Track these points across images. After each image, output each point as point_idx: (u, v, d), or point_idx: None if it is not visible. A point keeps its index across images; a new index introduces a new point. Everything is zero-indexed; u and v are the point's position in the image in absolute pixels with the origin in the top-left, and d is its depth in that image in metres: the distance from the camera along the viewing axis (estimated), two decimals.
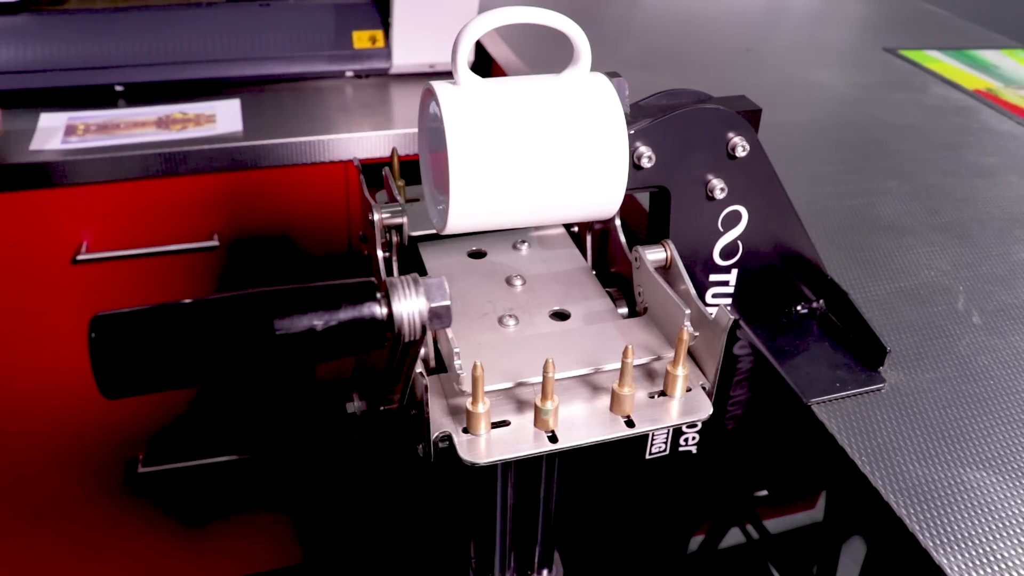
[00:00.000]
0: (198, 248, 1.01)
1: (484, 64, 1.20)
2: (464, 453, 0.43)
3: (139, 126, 0.98)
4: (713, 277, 0.56)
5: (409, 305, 0.39)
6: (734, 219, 0.54)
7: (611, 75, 0.48)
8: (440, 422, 0.45)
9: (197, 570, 1.29)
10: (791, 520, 1.42)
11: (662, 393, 0.47)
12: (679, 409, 0.47)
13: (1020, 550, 0.44)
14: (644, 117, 0.49)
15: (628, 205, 0.50)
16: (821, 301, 0.60)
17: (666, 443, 0.48)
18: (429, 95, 0.47)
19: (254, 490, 1.24)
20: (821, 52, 1.23)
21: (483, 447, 0.44)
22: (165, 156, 0.94)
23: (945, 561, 0.43)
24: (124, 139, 0.95)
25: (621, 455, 0.50)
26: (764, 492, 1.38)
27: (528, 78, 0.47)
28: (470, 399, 0.43)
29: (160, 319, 0.37)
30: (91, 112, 1.00)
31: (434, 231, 0.49)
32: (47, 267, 0.98)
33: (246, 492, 1.24)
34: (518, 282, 0.55)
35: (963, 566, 0.43)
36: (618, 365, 0.46)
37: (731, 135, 0.51)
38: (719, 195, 0.52)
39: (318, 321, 0.38)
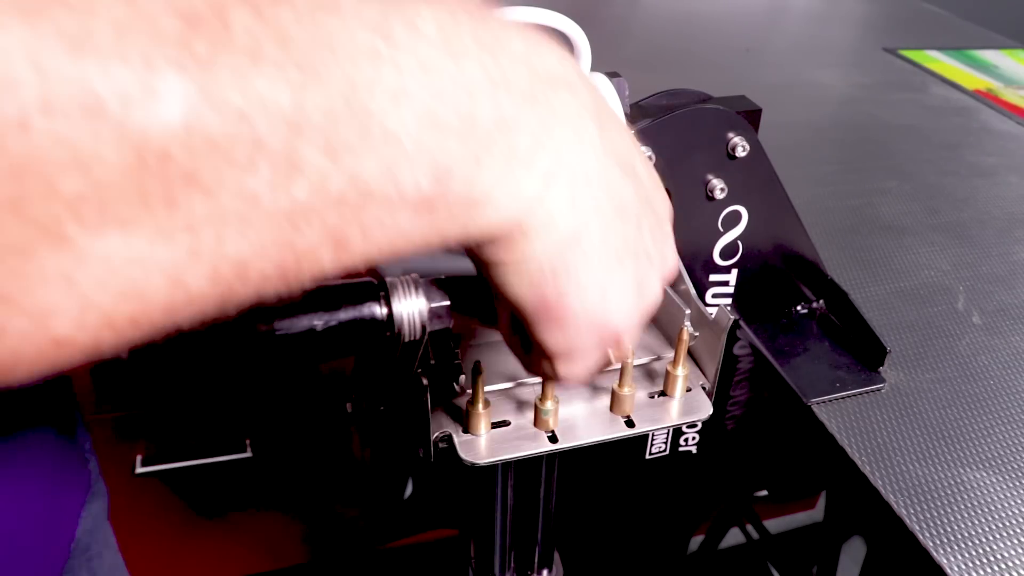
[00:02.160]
0: None
1: None
2: (464, 453, 0.43)
3: None
4: (713, 277, 0.56)
5: (409, 305, 0.39)
6: (734, 219, 0.54)
7: (611, 75, 0.48)
8: (440, 422, 0.45)
9: (195, 571, 1.29)
10: (791, 520, 1.42)
11: (662, 393, 0.47)
12: (679, 409, 0.46)
13: (1020, 550, 0.44)
14: (644, 117, 0.49)
15: None
16: (821, 301, 0.60)
17: (666, 443, 0.48)
18: None
19: (254, 490, 1.24)
20: (821, 52, 1.23)
21: (483, 447, 0.44)
22: None
23: (945, 561, 0.43)
24: None
25: (621, 455, 0.50)
26: (764, 492, 1.38)
27: None
28: (470, 399, 0.43)
29: None
30: None
31: None
32: None
33: (246, 492, 1.24)
34: None
35: (963, 566, 0.43)
36: (618, 365, 0.46)
37: (731, 135, 0.51)
38: (719, 195, 0.52)
39: (318, 321, 0.38)
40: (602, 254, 0.27)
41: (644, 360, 0.49)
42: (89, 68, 0.16)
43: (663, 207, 0.31)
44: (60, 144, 0.15)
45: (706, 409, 0.47)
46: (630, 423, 0.45)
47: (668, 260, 0.31)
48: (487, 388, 0.44)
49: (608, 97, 0.47)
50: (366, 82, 0.20)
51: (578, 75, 0.26)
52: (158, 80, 0.16)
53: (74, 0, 0.16)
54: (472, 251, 0.26)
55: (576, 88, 0.26)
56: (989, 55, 1.22)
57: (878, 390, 0.54)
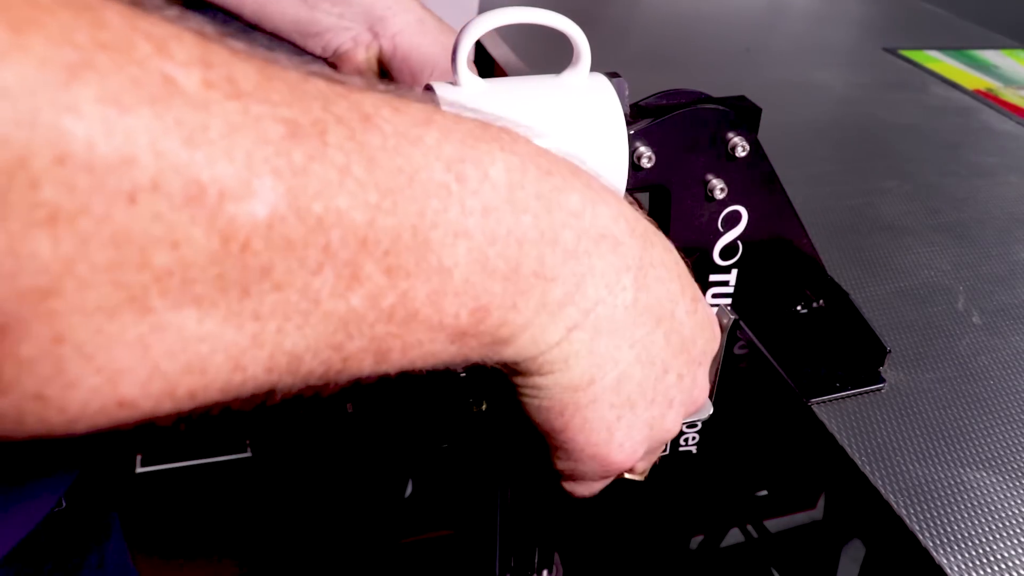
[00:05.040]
0: None
1: (484, 64, 1.20)
2: None
3: None
4: (713, 277, 0.56)
5: None
6: (734, 219, 0.54)
7: (611, 75, 0.48)
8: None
9: (192, 569, 1.29)
10: (791, 520, 1.42)
11: None
12: None
13: (1020, 550, 0.44)
14: (644, 117, 0.49)
15: None
16: (821, 301, 0.60)
17: (666, 443, 0.48)
18: (429, 95, 0.47)
19: (251, 492, 1.24)
20: (821, 52, 1.23)
21: None
22: None
23: (945, 561, 0.43)
24: None
25: None
26: (764, 492, 1.38)
27: (527, 78, 0.47)
28: None
29: None
30: None
31: None
32: None
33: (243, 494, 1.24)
34: None
35: (963, 566, 0.43)
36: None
37: (731, 135, 0.51)
38: (719, 195, 0.52)
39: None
40: (613, 399, 0.28)
41: None
42: (199, 159, 0.17)
43: (702, 346, 0.33)
44: (159, 221, 0.17)
45: (706, 409, 0.47)
46: None
47: (695, 396, 0.33)
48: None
49: (608, 97, 0.47)
50: (433, 215, 0.21)
51: (628, 229, 0.27)
52: (256, 180, 0.18)
53: (195, 95, 0.17)
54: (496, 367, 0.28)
55: (621, 244, 0.27)
56: (989, 55, 1.22)
57: (878, 390, 0.54)
